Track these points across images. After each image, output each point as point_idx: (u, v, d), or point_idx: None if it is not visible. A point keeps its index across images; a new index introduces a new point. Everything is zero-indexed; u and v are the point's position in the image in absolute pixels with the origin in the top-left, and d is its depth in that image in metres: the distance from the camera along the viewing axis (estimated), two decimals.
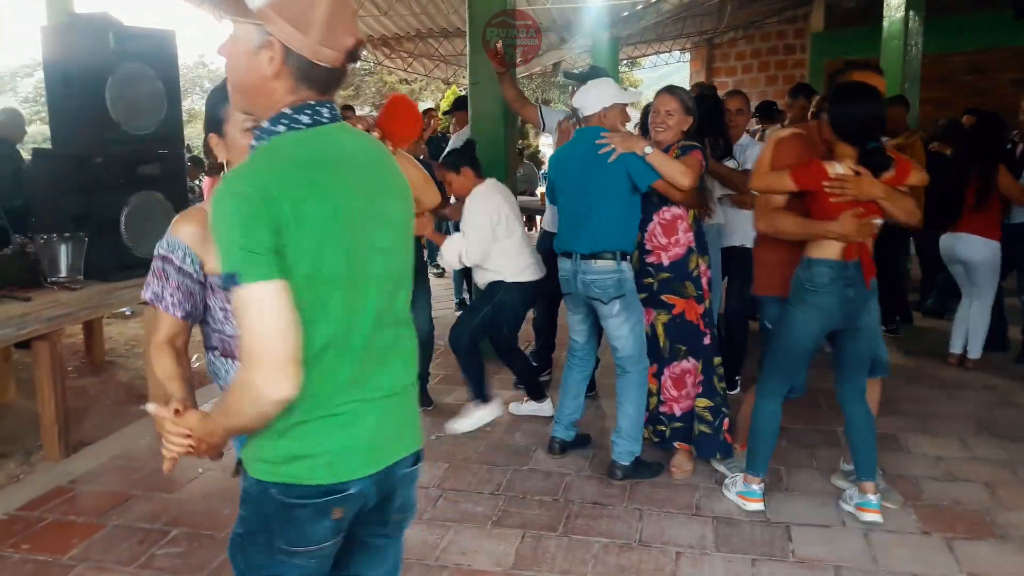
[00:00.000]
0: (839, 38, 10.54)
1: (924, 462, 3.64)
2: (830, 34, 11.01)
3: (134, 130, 4.20)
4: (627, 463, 3.44)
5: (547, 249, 4.23)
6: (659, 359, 3.50)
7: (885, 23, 7.55)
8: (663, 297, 3.46)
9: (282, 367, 1.18)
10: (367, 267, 1.32)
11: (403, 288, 1.44)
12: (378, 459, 1.37)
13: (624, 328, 3.38)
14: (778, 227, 3.02)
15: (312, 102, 1.32)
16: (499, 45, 4.42)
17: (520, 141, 13.93)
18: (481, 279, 4.09)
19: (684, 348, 3.48)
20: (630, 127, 3.78)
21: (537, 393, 4.25)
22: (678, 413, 3.51)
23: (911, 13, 7.46)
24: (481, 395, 4.09)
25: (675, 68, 15.75)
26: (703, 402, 3.48)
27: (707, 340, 3.47)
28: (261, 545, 1.35)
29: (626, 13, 9.21)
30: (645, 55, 13.81)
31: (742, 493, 3.21)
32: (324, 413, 1.29)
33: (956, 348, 5.09)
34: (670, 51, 13.30)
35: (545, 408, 4.23)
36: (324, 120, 1.33)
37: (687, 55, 13.43)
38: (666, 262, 3.43)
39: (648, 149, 3.23)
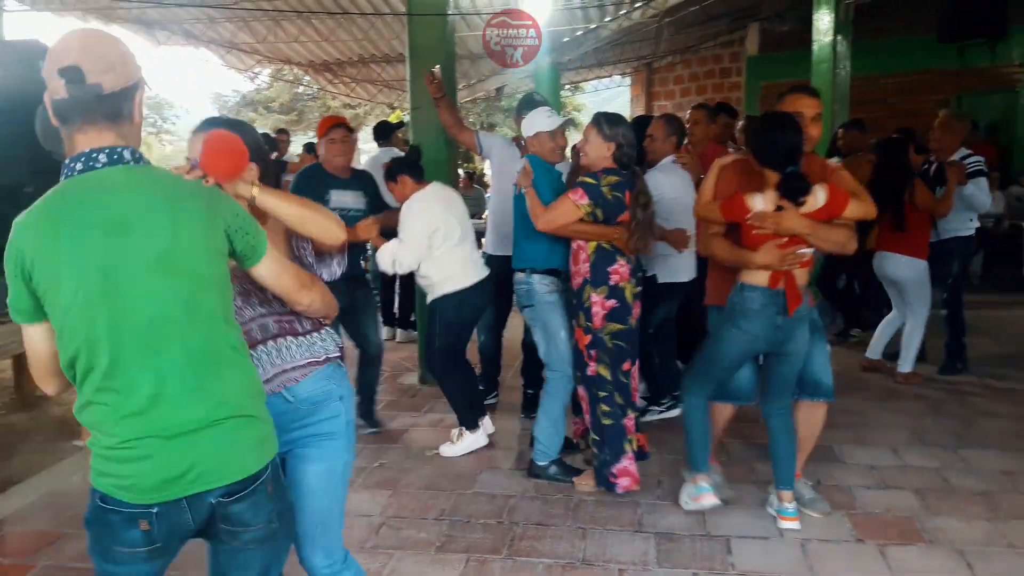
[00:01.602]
0: (773, 61, 10.86)
1: (858, 472, 3.74)
2: (765, 57, 11.34)
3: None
4: (540, 462, 3.70)
5: (493, 271, 4.28)
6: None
7: (815, 47, 7.81)
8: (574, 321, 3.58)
9: (42, 380, 1.61)
10: (118, 303, 1.44)
11: (201, 326, 1.52)
12: (175, 490, 1.50)
13: (537, 334, 3.76)
14: (712, 251, 3.17)
15: (88, 150, 1.48)
16: (436, 70, 4.44)
17: (465, 164, 14.00)
18: (427, 296, 4.10)
19: (579, 375, 3.58)
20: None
21: (469, 421, 4.10)
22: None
23: (839, 37, 7.74)
24: (466, 422, 4.06)
25: (616, 92, 16.04)
26: (591, 435, 3.57)
27: (589, 371, 3.48)
28: (92, 541, 1.56)
29: (566, 39, 9.36)
30: (586, 80, 14.04)
31: (692, 495, 3.33)
32: (116, 444, 1.48)
33: (873, 355, 5.32)
34: (610, 76, 13.55)
35: (479, 439, 4.10)
36: (99, 165, 1.48)
37: (627, 79, 13.69)
38: (574, 287, 3.52)
39: (526, 188, 3.54)
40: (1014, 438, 4.13)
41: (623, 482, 3.46)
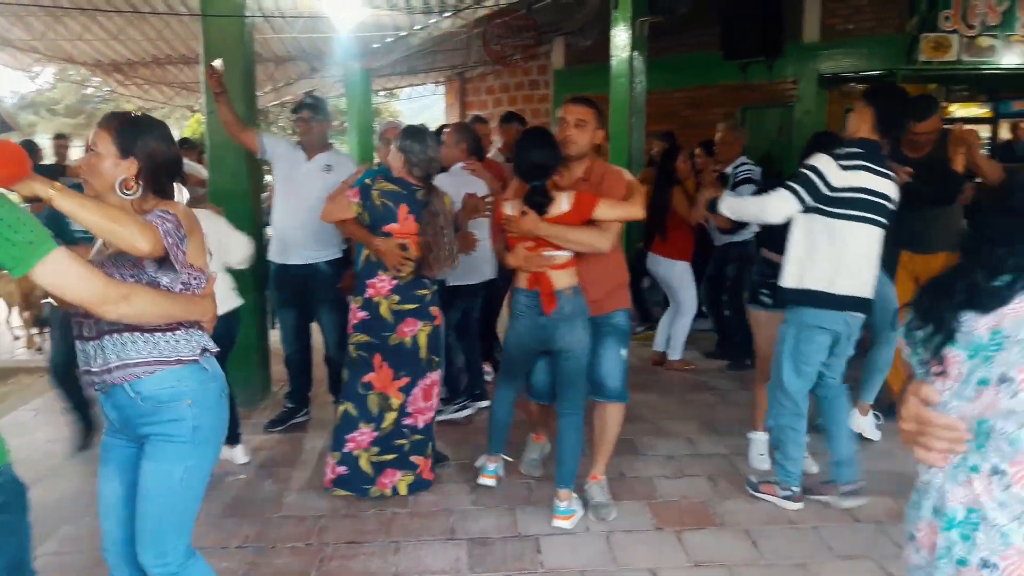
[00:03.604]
0: (578, 74, 11.32)
1: (657, 462, 3.96)
2: (570, 71, 11.81)
3: None
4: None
5: (287, 279, 4.14)
6: (417, 371, 3.53)
7: (613, 62, 8.22)
8: (431, 309, 3.55)
9: None
10: None
11: None
12: None
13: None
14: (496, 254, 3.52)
15: None
16: (217, 64, 4.19)
17: None
18: None
19: (437, 359, 3.61)
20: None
21: (233, 438, 3.91)
22: (420, 425, 3.59)
23: (635, 53, 8.19)
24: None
25: (433, 100, 16.14)
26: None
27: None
28: None
29: (376, 45, 9.27)
30: (400, 86, 13.98)
31: (481, 471, 3.66)
32: None
33: (658, 347, 5.75)
34: (423, 83, 13.58)
35: (237, 454, 3.96)
36: None
37: (442, 87, 13.78)
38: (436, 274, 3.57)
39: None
40: None
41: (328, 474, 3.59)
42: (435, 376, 3.61)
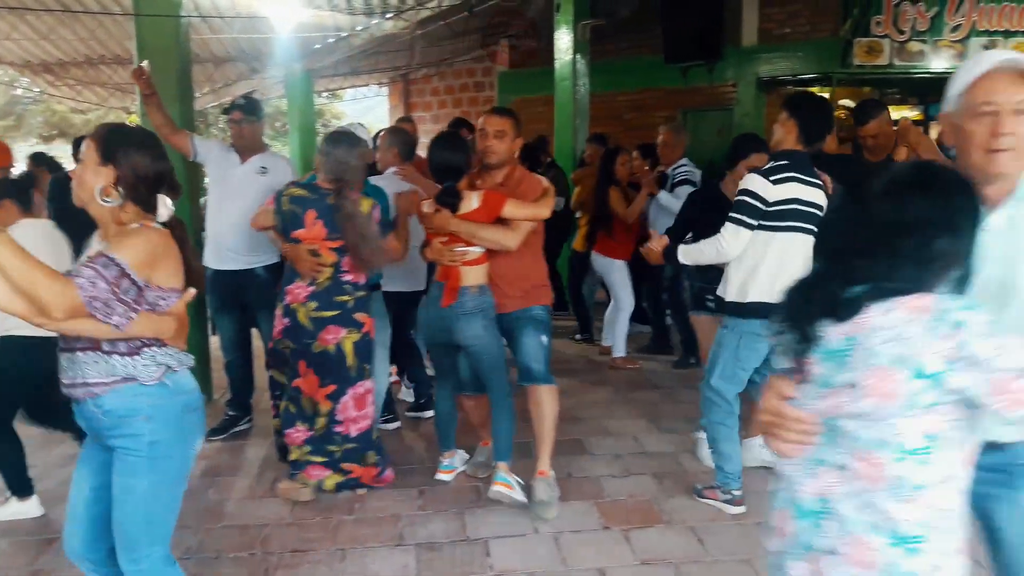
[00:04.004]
0: (522, 77, 11.36)
1: (604, 461, 3.99)
2: (515, 73, 11.83)
3: None
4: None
5: (221, 286, 4.07)
6: (344, 379, 3.48)
7: (557, 65, 8.28)
8: (356, 316, 3.48)
9: None
10: None
11: None
12: None
13: None
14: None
15: None
16: (145, 65, 4.09)
17: None
18: None
19: (368, 367, 3.55)
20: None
21: (22, 489, 3.43)
22: (353, 434, 3.52)
23: (578, 56, 8.27)
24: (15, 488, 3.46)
25: (377, 102, 15.98)
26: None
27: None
28: None
29: (318, 46, 9.16)
30: (343, 88, 13.84)
31: (439, 467, 3.75)
32: None
33: (606, 342, 5.90)
34: (367, 85, 13.46)
35: (31, 509, 3.43)
36: None
37: (386, 89, 13.68)
38: (362, 280, 3.51)
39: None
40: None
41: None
42: (368, 384, 3.55)
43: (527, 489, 3.47)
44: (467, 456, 3.91)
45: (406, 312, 4.48)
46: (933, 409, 1.31)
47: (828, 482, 1.40)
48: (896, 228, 1.37)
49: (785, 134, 3.29)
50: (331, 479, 3.55)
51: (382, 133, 4.62)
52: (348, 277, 3.46)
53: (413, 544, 3.18)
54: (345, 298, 3.45)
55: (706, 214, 3.83)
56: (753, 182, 3.23)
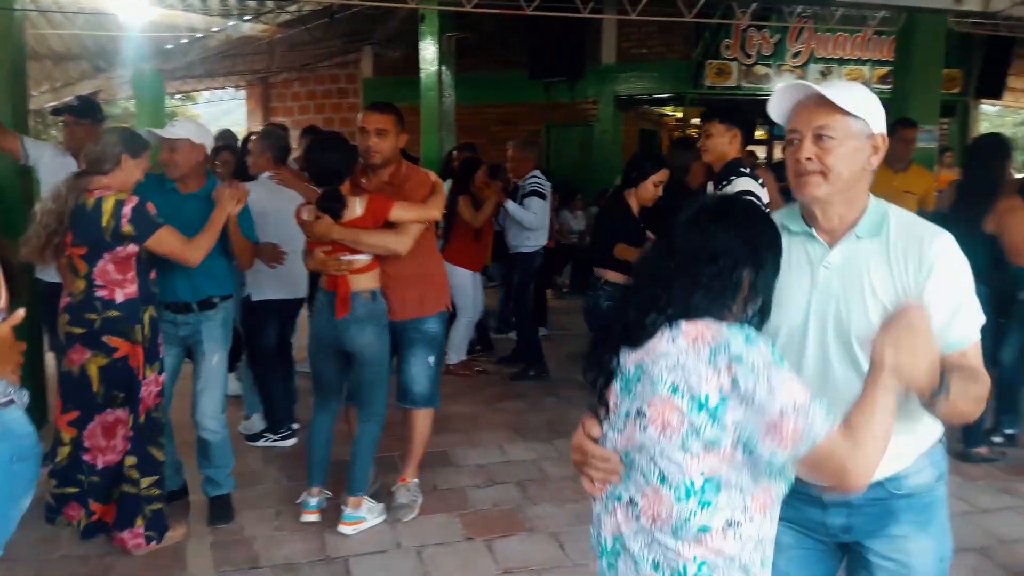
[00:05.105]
0: (388, 85, 11.25)
1: (468, 472, 3.99)
2: (379, 81, 11.73)
3: None
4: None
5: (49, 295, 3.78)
6: (86, 405, 3.01)
7: (422, 75, 8.27)
8: (105, 338, 2.97)
9: None
10: None
11: None
12: None
13: None
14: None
15: None
16: None
17: None
18: None
19: (122, 396, 3.04)
20: None
21: None
22: (99, 466, 3.06)
23: (443, 67, 8.29)
24: None
25: (235, 105, 15.38)
26: (131, 459, 3.06)
27: (142, 392, 3.04)
28: None
29: (170, 46, 8.71)
30: (197, 90, 13.24)
31: (303, 507, 3.40)
32: None
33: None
34: (224, 87, 12.94)
35: None
36: None
37: (244, 92, 13.21)
38: (120, 299, 2.98)
39: None
40: None
41: None
42: (119, 414, 3.04)
43: (389, 496, 3.43)
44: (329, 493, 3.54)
45: (284, 322, 4.33)
46: (714, 449, 1.29)
47: (621, 519, 1.41)
48: (698, 257, 1.37)
49: (730, 143, 3.35)
50: (84, 519, 3.08)
51: (254, 137, 4.43)
52: (101, 292, 2.94)
53: (270, 566, 3.05)
54: (92, 316, 2.94)
55: (617, 224, 3.90)
56: (749, 184, 3.25)
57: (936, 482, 1.63)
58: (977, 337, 1.56)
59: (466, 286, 5.57)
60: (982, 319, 1.55)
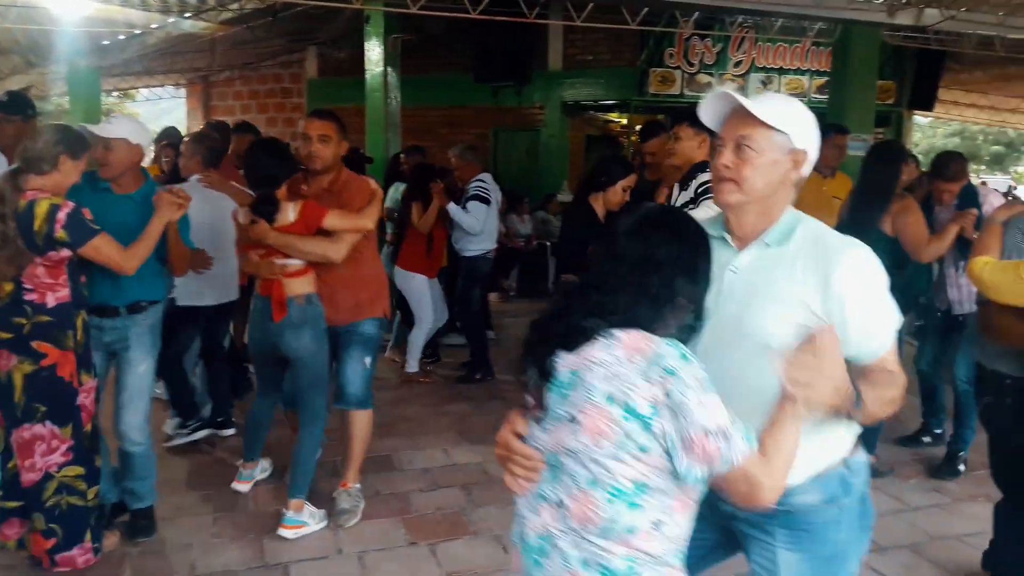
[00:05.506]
0: (333, 86, 11.15)
1: (413, 476, 3.96)
2: (324, 81, 11.60)
3: None
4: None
5: None
6: (8, 414, 2.85)
7: (368, 76, 8.19)
8: (34, 344, 2.80)
9: None
10: None
11: None
12: None
13: None
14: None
15: None
16: None
17: None
18: None
19: (44, 409, 2.83)
20: None
21: None
22: (22, 484, 2.88)
23: (389, 69, 8.22)
24: None
25: (175, 103, 15.03)
26: (75, 470, 2.89)
27: (80, 400, 2.90)
28: None
29: (107, 42, 8.46)
30: (136, 87, 12.90)
31: (237, 477, 3.65)
32: None
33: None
34: (163, 85, 12.63)
35: None
36: None
37: (184, 91, 12.91)
38: (51, 303, 2.81)
39: None
40: None
41: None
42: (38, 429, 2.83)
43: (331, 502, 3.39)
44: (267, 466, 3.81)
45: (216, 326, 4.25)
46: (644, 455, 1.33)
47: (548, 518, 1.43)
48: (638, 266, 1.41)
49: (699, 147, 3.31)
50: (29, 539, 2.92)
51: (185, 139, 4.34)
52: (31, 296, 2.78)
53: (207, 574, 2.97)
54: (22, 320, 2.77)
55: (582, 230, 3.81)
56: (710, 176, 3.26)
57: (824, 504, 1.63)
58: (893, 341, 1.60)
59: (422, 292, 5.53)
60: (898, 321, 1.60)
